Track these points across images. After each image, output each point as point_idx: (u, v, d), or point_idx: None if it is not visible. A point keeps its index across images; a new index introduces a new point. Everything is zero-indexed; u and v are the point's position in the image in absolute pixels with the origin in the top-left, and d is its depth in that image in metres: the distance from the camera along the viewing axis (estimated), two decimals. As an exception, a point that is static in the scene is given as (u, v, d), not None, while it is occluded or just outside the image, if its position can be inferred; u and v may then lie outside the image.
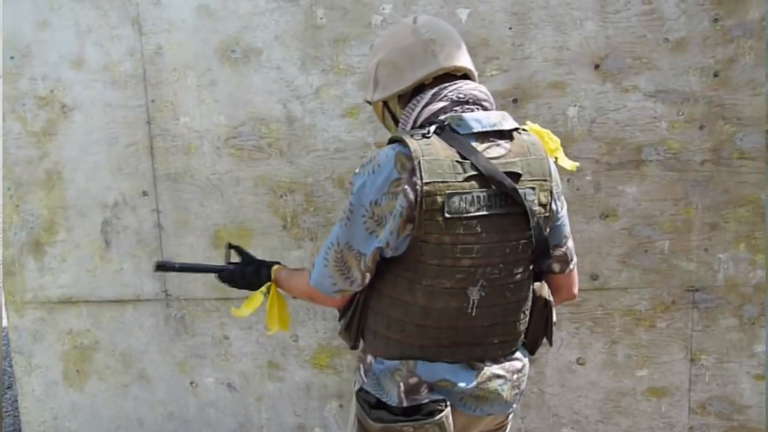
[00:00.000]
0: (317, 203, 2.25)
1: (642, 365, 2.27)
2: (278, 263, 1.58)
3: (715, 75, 2.10)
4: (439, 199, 1.20)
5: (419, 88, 1.33)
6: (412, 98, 1.33)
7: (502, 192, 1.23)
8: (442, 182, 1.20)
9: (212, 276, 2.27)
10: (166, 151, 2.27)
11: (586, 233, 2.19)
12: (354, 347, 1.45)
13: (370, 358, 1.39)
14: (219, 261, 2.29)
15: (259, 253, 2.27)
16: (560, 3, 2.10)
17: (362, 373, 1.40)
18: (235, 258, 1.65)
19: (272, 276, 1.54)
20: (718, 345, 2.24)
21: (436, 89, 1.31)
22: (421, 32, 1.33)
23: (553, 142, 1.42)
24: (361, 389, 1.38)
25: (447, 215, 1.21)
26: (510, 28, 2.12)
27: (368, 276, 1.30)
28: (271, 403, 2.39)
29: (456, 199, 1.21)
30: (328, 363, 2.35)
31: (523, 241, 1.29)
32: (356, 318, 1.40)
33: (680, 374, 2.27)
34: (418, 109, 1.31)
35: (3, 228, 2.36)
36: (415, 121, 1.31)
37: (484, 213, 1.23)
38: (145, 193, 2.30)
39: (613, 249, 2.20)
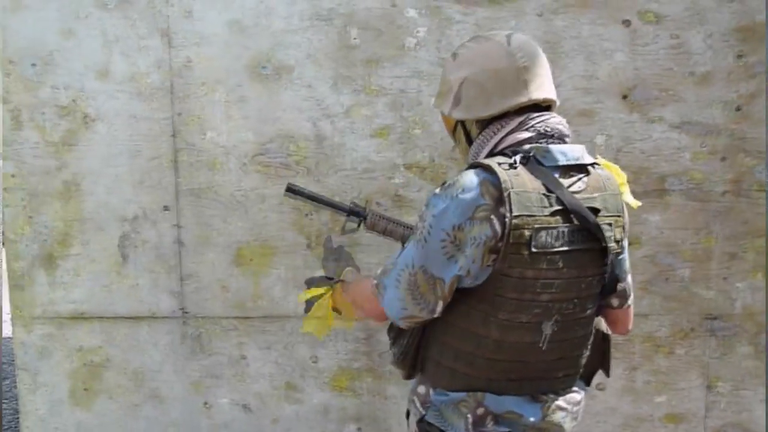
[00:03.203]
0: (343, 223, 2.23)
1: (660, 391, 2.30)
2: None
3: (738, 109, 2.16)
4: (527, 233, 1.18)
5: (503, 114, 1.30)
6: (494, 122, 1.30)
7: (584, 227, 1.22)
8: (530, 216, 1.18)
9: (231, 294, 2.26)
10: (190, 166, 2.23)
11: (610, 260, 2.22)
12: (409, 377, 1.40)
13: (426, 389, 1.35)
14: (242, 278, 2.27)
15: (281, 273, 2.27)
16: (591, 34, 2.14)
17: (418, 404, 1.36)
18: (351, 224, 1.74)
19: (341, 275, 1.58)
20: (734, 372, 2.28)
21: (523, 118, 1.28)
22: (515, 57, 1.28)
23: (620, 177, 1.42)
24: (422, 420, 1.34)
25: (533, 250, 1.18)
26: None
27: (442, 304, 1.25)
28: (288, 426, 2.34)
29: (543, 233, 1.19)
30: (347, 385, 2.31)
31: (597, 277, 1.28)
32: (413, 347, 1.35)
33: (697, 401, 2.30)
34: (500, 135, 1.28)
35: (14, 240, 2.28)
36: (495, 146, 1.29)
37: (567, 248, 1.22)
38: (166, 208, 2.25)
39: (635, 276, 2.21)
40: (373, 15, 2.15)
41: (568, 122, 2.19)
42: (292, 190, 1.73)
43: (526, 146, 1.25)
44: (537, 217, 1.18)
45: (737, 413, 2.30)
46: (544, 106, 1.33)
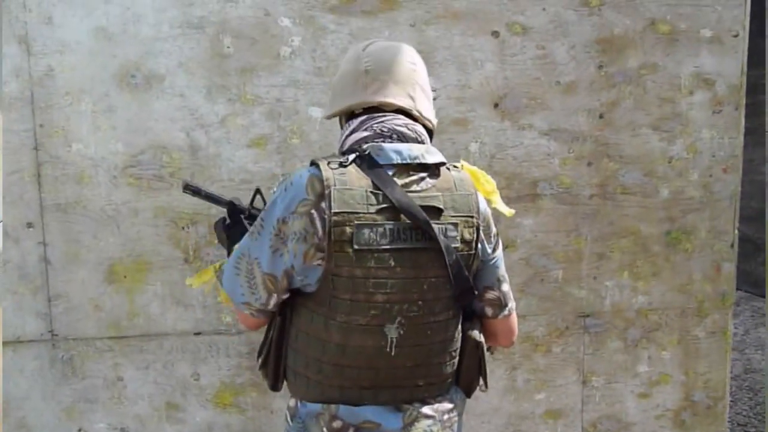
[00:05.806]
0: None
1: (540, 389, 2.38)
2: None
3: (601, 116, 2.28)
4: (348, 229, 1.19)
5: (354, 114, 1.33)
6: (347, 122, 1.34)
7: (417, 226, 1.22)
8: (352, 212, 1.19)
9: (105, 313, 2.17)
10: (55, 180, 2.12)
11: (487, 263, 2.28)
12: (274, 388, 1.38)
13: (294, 401, 1.34)
14: (116, 296, 2.17)
15: (158, 289, 2.19)
16: (462, 44, 2.20)
17: (288, 417, 1.34)
18: (259, 205, 1.49)
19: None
20: (606, 367, 2.40)
21: (364, 117, 1.31)
22: (361, 61, 1.32)
23: (489, 184, 1.41)
24: None
25: (356, 247, 1.19)
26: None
27: (275, 297, 1.28)
28: (170, 447, 2.25)
29: (366, 230, 1.20)
30: (231, 401, 2.26)
31: (442, 279, 1.26)
32: (272, 355, 1.34)
33: (574, 396, 2.40)
34: (346, 134, 1.32)
35: None
36: (342, 145, 1.32)
37: (397, 246, 1.22)
38: (30, 225, 2.12)
39: (512, 278, 2.27)
40: (246, 23, 2.12)
41: (442, 131, 2.24)
42: (190, 188, 1.59)
43: (365, 145, 1.27)
44: (360, 214, 1.20)
45: (610, 405, 2.41)
46: (393, 110, 1.31)
